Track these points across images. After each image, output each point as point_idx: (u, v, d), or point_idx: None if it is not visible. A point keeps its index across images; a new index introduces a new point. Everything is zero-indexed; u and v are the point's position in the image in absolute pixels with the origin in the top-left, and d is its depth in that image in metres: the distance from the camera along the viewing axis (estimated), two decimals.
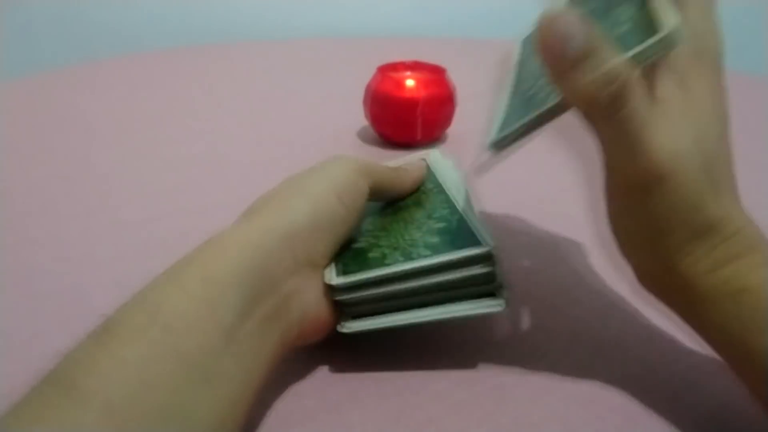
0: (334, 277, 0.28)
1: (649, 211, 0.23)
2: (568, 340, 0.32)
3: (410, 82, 0.56)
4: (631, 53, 0.21)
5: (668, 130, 0.22)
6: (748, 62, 0.90)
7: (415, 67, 0.61)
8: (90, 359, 0.19)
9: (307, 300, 0.26)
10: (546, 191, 0.50)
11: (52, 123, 0.63)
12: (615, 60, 0.21)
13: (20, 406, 0.18)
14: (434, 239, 0.28)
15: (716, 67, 0.24)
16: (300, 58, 0.94)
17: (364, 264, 0.28)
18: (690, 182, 0.22)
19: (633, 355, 0.31)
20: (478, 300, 0.27)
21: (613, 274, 0.38)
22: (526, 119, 0.25)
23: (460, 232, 0.28)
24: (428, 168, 0.37)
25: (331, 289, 0.28)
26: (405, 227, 0.31)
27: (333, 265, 0.29)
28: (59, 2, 0.97)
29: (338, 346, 0.31)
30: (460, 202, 0.31)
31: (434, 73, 0.59)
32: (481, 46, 0.94)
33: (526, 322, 0.33)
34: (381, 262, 0.28)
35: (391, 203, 0.34)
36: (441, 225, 0.30)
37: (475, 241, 0.27)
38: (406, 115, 0.56)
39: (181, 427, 0.20)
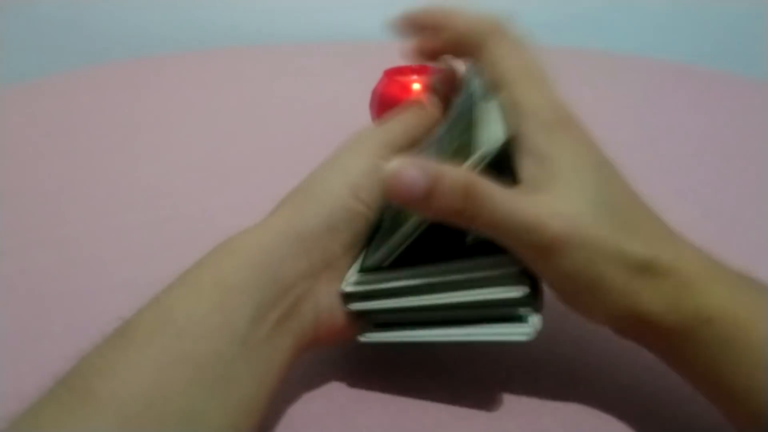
0: (346, 283, 0.26)
1: (574, 270, 0.23)
2: (574, 345, 0.32)
3: (417, 86, 0.56)
4: (466, 164, 0.23)
5: (544, 204, 0.22)
6: (749, 66, 0.89)
7: (421, 70, 0.61)
8: (104, 363, 0.20)
9: (321, 304, 0.26)
10: None
11: (58, 126, 0.63)
12: (455, 177, 0.22)
13: (36, 410, 0.18)
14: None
15: (572, 126, 0.25)
16: (306, 62, 0.94)
17: (381, 241, 0.26)
18: (592, 237, 0.22)
19: (641, 360, 0.31)
20: (506, 324, 0.25)
21: None
22: (397, 238, 0.25)
23: None
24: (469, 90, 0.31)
25: (345, 298, 0.26)
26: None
27: (356, 262, 0.27)
28: (64, 6, 0.98)
29: (346, 351, 0.31)
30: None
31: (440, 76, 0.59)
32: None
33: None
34: (396, 227, 0.26)
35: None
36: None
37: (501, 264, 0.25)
38: None
39: (195, 431, 0.20)
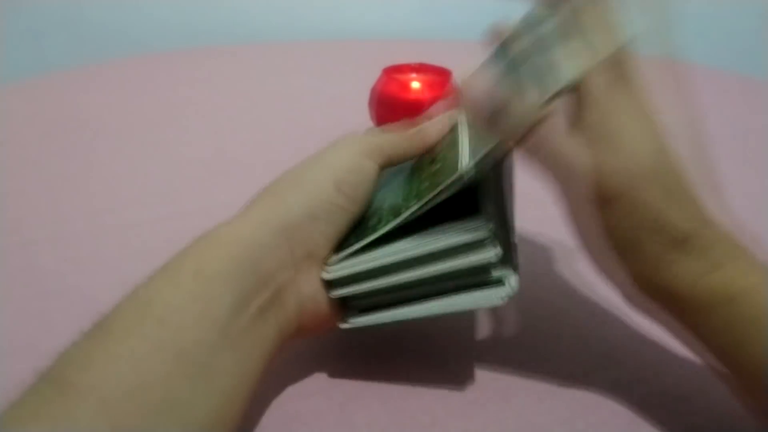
0: (327, 269, 0.27)
1: (616, 228, 0.23)
2: (573, 343, 0.32)
3: (416, 84, 0.56)
4: (538, 100, 0.24)
5: (605, 156, 0.23)
6: (749, 64, 0.89)
7: (420, 69, 0.61)
8: (84, 356, 0.20)
9: (304, 293, 0.26)
10: (549, 194, 0.50)
11: (57, 124, 0.63)
12: (522, 108, 0.24)
13: (16, 405, 0.18)
14: (425, 184, 0.27)
15: (636, 87, 0.25)
16: (305, 60, 0.94)
17: (361, 235, 0.27)
18: (642, 201, 0.23)
19: (639, 358, 0.31)
20: (483, 289, 0.26)
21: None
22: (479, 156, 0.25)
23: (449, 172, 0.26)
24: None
25: (327, 285, 0.27)
26: (409, 179, 0.29)
27: (338, 249, 0.27)
28: (65, 3, 0.98)
29: (344, 347, 0.31)
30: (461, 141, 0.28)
31: (440, 76, 0.59)
32: (481, 49, 0.94)
33: (531, 325, 0.33)
34: (374, 229, 0.26)
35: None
36: (437, 166, 0.28)
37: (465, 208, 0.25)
38: (411, 117, 0.56)
39: (178, 422, 0.20)
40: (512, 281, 0.25)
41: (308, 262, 0.26)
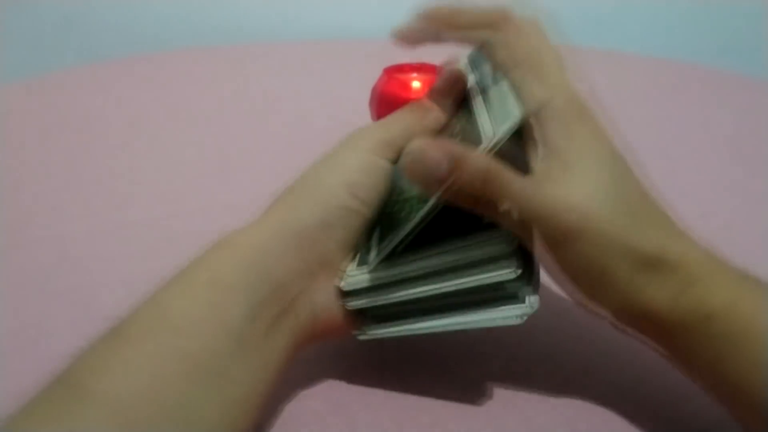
0: (343, 279, 0.26)
1: (581, 263, 0.23)
2: (574, 344, 0.32)
3: (417, 84, 0.56)
4: (488, 146, 0.23)
5: (559, 195, 0.23)
6: (749, 65, 0.89)
7: (421, 68, 0.61)
8: (99, 361, 0.20)
9: (318, 302, 0.26)
10: None
11: (59, 124, 0.63)
12: (476, 162, 0.23)
13: (30, 407, 0.19)
14: None
15: (585, 117, 0.25)
16: (306, 60, 0.94)
17: (394, 228, 0.26)
18: (604, 231, 0.23)
19: (640, 359, 0.31)
20: (501, 306, 0.25)
21: None
22: (409, 226, 0.25)
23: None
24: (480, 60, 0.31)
25: (342, 295, 0.26)
26: None
27: (353, 259, 0.27)
28: (65, 3, 0.98)
29: (345, 349, 0.31)
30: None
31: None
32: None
33: (532, 325, 0.33)
34: (407, 219, 0.25)
35: None
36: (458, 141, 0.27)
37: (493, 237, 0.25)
38: None
39: (190, 429, 0.20)
40: (532, 300, 0.25)
41: (322, 271, 0.26)
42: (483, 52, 0.28)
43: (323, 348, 0.30)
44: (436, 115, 0.31)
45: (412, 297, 0.26)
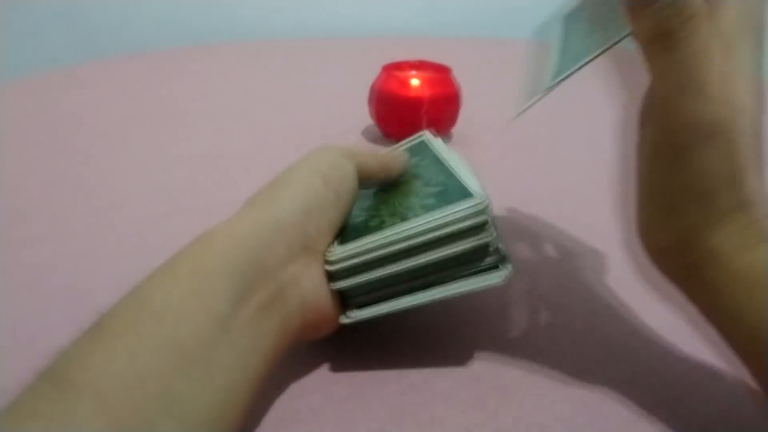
0: (331, 252, 0.28)
1: (696, 170, 0.22)
2: (572, 339, 0.32)
3: (415, 81, 0.56)
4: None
5: (728, 79, 0.22)
6: None
7: (420, 66, 0.61)
8: (82, 354, 0.20)
9: (305, 287, 0.26)
10: (550, 192, 0.50)
11: (54, 122, 0.63)
12: None
13: (15, 404, 0.18)
14: (430, 201, 0.28)
15: (760, 32, 0.24)
16: (305, 58, 0.94)
17: (364, 231, 0.28)
18: (741, 142, 0.21)
19: (638, 355, 0.31)
20: (479, 275, 0.27)
21: (619, 274, 0.38)
22: (592, 54, 0.26)
23: (454, 191, 0.28)
24: (425, 143, 0.37)
25: (329, 278, 0.27)
26: (404, 197, 0.31)
27: (333, 245, 0.29)
28: (61, 2, 0.97)
29: (343, 345, 0.31)
30: (456, 168, 0.31)
31: (439, 72, 0.59)
32: (486, 46, 0.94)
33: (530, 321, 0.33)
34: (379, 227, 0.28)
35: (390, 184, 0.34)
36: (437, 189, 0.30)
37: (466, 194, 0.27)
38: (411, 114, 0.56)
39: (176, 416, 0.20)
40: (509, 268, 0.27)
41: (307, 257, 0.27)
42: None
43: (321, 344, 0.30)
44: (401, 159, 0.35)
45: (395, 272, 0.27)
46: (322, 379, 0.29)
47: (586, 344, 0.32)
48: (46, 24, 0.97)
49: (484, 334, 0.32)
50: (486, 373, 0.29)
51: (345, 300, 0.28)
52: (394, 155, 0.35)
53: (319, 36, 1.06)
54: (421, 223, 0.26)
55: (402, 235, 0.27)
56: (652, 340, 0.32)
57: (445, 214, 0.26)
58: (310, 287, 0.26)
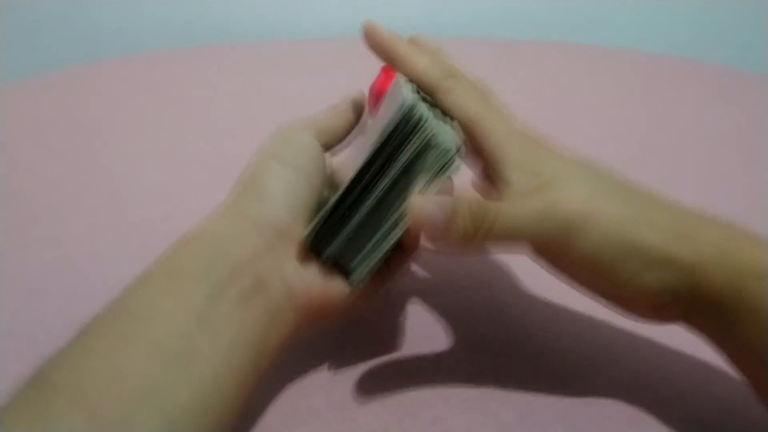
0: (306, 236, 0.27)
1: (602, 247, 0.24)
2: (573, 340, 0.32)
3: None
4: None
5: (552, 195, 0.24)
6: (751, 61, 0.89)
7: None
8: (61, 356, 0.20)
9: (288, 274, 0.26)
10: None
11: (56, 123, 0.63)
12: (465, 204, 0.24)
13: (2, 409, 0.19)
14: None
15: (548, 143, 0.27)
16: (304, 59, 0.94)
17: (327, 201, 0.27)
18: (611, 210, 0.24)
19: (639, 354, 0.31)
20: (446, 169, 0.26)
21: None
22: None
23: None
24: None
25: (315, 253, 0.27)
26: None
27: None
28: (63, 3, 0.98)
29: (344, 345, 0.31)
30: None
31: None
32: (485, 46, 0.94)
33: (531, 322, 0.33)
34: (337, 189, 0.27)
35: None
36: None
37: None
38: None
39: (159, 408, 0.20)
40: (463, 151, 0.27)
41: (283, 243, 0.26)
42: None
43: (320, 344, 0.30)
44: (348, 107, 0.35)
45: (366, 214, 0.26)
46: (322, 380, 0.29)
47: (587, 343, 0.32)
48: (45, 26, 0.98)
49: (485, 334, 0.32)
50: (487, 373, 0.29)
51: (347, 275, 0.27)
52: (352, 100, 0.35)
53: (318, 37, 1.06)
54: (365, 155, 0.26)
55: (354, 175, 0.26)
56: (651, 340, 0.32)
57: (381, 132, 0.26)
58: (293, 273, 0.26)
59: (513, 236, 0.24)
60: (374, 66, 0.63)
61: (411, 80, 0.31)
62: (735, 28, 1.03)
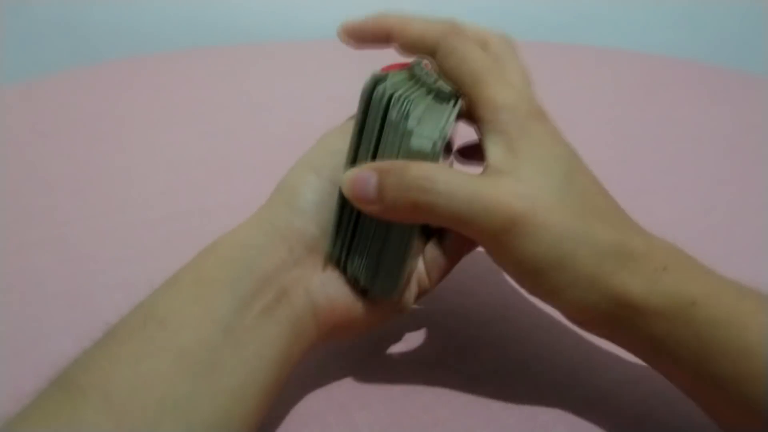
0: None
1: (538, 255, 0.23)
2: (574, 340, 0.32)
3: None
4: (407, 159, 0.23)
5: (506, 185, 0.23)
6: (748, 62, 0.89)
7: None
8: (88, 359, 0.20)
9: (313, 288, 0.25)
10: None
11: (56, 125, 0.63)
12: (402, 166, 0.23)
13: (27, 409, 0.19)
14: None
15: (543, 119, 0.25)
16: (304, 60, 0.94)
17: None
18: (557, 219, 0.22)
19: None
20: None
21: None
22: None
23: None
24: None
25: (340, 268, 0.26)
26: None
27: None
28: (64, 5, 0.98)
29: (345, 347, 0.31)
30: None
31: None
32: None
33: (532, 323, 0.33)
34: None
35: None
36: None
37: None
38: None
39: (183, 417, 0.20)
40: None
41: (311, 258, 0.26)
42: (424, 66, 0.28)
43: (323, 349, 0.30)
44: None
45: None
46: (322, 382, 0.29)
47: (588, 345, 0.31)
48: (46, 28, 0.98)
49: (485, 336, 0.32)
50: (488, 375, 0.29)
51: (358, 281, 0.26)
52: None
53: (318, 38, 1.06)
54: (346, 158, 0.25)
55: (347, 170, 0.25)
56: None
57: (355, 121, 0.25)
58: (317, 287, 0.25)
59: (458, 222, 0.23)
60: (375, 67, 0.62)
61: (411, 50, 0.28)
62: (734, 29, 1.03)
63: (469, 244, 0.28)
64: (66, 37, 0.99)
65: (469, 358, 0.30)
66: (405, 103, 0.24)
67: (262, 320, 0.23)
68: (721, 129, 0.64)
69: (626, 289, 0.22)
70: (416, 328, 0.32)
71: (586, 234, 0.23)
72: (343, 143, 0.26)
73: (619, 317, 0.23)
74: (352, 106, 0.35)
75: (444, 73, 0.27)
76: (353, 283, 0.26)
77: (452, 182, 0.22)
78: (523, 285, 0.25)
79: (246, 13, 1.08)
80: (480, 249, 0.26)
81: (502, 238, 0.23)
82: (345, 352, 0.31)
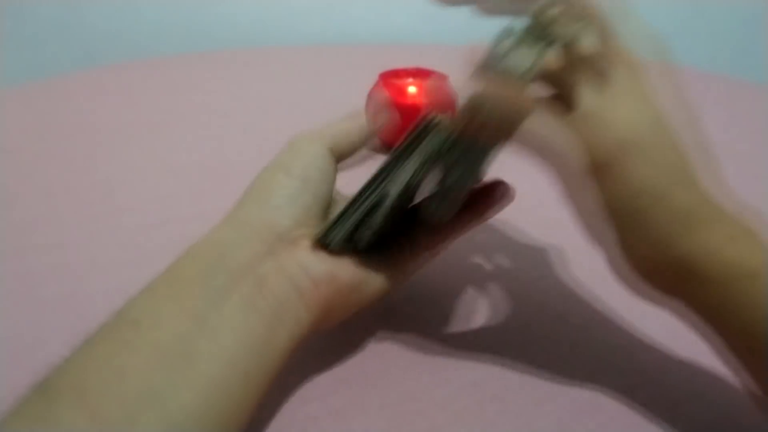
0: (319, 240, 0.27)
1: (613, 198, 0.23)
2: (570, 347, 0.32)
3: (412, 89, 0.56)
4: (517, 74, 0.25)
5: (596, 125, 0.24)
6: (749, 70, 0.90)
7: (417, 74, 0.61)
8: (65, 363, 0.21)
9: (292, 272, 0.26)
10: (548, 197, 0.50)
11: (53, 129, 0.63)
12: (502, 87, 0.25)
13: (9, 414, 0.19)
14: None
15: (639, 69, 0.25)
16: (302, 66, 0.94)
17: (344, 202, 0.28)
18: (639, 165, 0.23)
19: (635, 362, 0.31)
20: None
21: (616, 280, 0.38)
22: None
23: None
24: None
25: (323, 246, 0.27)
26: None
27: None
28: (64, 8, 0.98)
29: (341, 352, 0.31)
30: None
31: (437, 80, 0.59)
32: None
33: (529, 329, 0.33)
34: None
35: None
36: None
37: None
38: (408, 122, 0.56)
39: (161, 409, 0.20)
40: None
41: (286, 246, 0.26)
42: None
43: (319, 352, 0.30)
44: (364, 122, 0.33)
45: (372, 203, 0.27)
46: (320, 388, 0.29)
47: (585, 350, 0.31)
48: (42, 32, 0.98)
49: (482, 342, 0.32)
50: (484, 381, 0.29)
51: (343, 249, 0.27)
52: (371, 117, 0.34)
53: (316, 43, 1.07)
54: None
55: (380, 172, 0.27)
56: (651, 345, 0.32)
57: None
58: (296, 270, 0.26)
59: (542, 151, 0.25)
60: (372, 73, 0.63)
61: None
62: (734, 37, 1.04)
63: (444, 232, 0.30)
64: (63, 41, 0.99)
65: (466, 365, 0.30)
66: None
67: (241, 309, 0.23)
68: (721, 137, 0.64)
69: (690, 254, 0.23)
70: (412, 333, 0.32)
71: (666, 189, 0.23)
72: (308, 146, 0.29)
73: (678, 281, 0.24)
74: (348, 111, 0.35)
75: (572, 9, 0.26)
76: (336, 251, 0.27)
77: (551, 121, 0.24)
78: (600, 238, 0.25)
79: (242, 18, 1.09)
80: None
81: (590, 180, 0.23)
82: (341, 358, 0.31)
